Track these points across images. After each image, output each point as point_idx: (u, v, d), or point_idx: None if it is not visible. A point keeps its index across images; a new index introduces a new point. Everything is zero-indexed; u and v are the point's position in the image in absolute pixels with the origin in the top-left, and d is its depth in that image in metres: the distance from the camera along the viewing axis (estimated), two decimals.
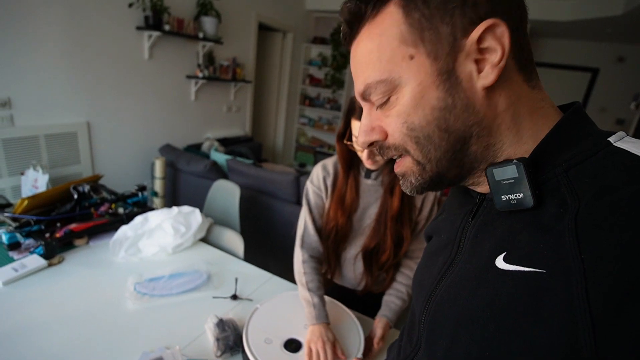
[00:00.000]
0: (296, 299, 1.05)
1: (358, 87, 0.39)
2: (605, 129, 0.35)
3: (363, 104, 0.40)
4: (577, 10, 3.35)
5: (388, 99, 0.36)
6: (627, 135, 0.33)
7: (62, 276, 1.11)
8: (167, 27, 2.55)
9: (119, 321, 0.95)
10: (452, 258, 0.42)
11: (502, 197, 0.35)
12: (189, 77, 3.01)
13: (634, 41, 4.12)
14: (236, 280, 1.14)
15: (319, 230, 1.06)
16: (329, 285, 1.19)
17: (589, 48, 4.48)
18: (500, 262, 0.34)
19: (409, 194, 0.42)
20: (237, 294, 1.09)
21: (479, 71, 0.33)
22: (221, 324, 0.91)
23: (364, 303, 1.15)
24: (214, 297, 1.08)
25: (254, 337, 0.87)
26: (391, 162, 1.01)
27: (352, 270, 1.10)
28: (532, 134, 0.35)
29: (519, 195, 0.34)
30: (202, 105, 3.29)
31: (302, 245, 1.05)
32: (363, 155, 0.94)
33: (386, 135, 0.39)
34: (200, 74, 3.01)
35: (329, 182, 1.05)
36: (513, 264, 0.32)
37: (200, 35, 2.87)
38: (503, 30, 0.32)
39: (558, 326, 0.27)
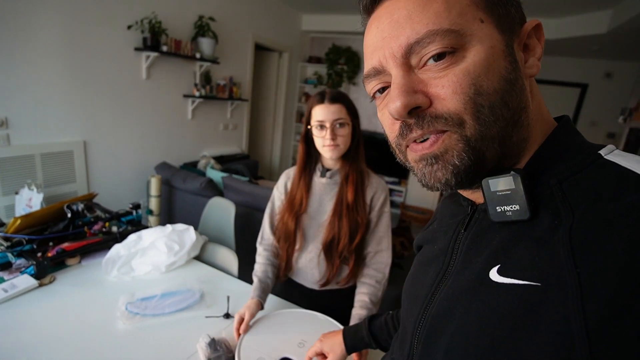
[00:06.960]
0: (289, 317, 1.04)
1: (404, 37, 0.34)
2: (597, 143, 0.36)
3: (399, 63, 0.35)
4: (563, 28, 3.46)
5: (451, 54, 0.33)
6: (617, 148, 0.34)
7: (53, 296, 1.09)
8: (164, 48, 2.60)
9: (109, 342, 0.93)
10: (445, 269, 0.41)
11: (497, 208, 0.35)
12: (186, 96, 3.06)
13: (620, 58, 4.24)
14: (228, 298, 1.13)
15: (274, 231, 1.19)
16: (283, 279, 1.21)
17: (577, 64, 4.61)
18: (494, 275, 0.33)
19: (441, 186, 0.35)
20: (230, 312, 1.08)
21: (525, 61, 0.36)
22: (213, 344, 0.90)
23: (324, 301, 1.15)
24: (207, 317, 1.06)
25: (247, 356, 0.86)
26: (346, 157, 1.06)
27: (317, 268, 1.11)
28: (541, 137, 0.37)
29: (514, 207, 0.33)
30: (199, 124, 3.33)
31: (261, 242, 1.19)
32: (326, 139, 0.99)
33: (429, 102, 0.34)
34: (197, 93, 3.06)
35: (289, 185, 1.16)
36: (507, 277, 0.32)
37: (198, 55, 2.93)
38: (542, 33, 0.37)
39: (554, 340, 0.27)
